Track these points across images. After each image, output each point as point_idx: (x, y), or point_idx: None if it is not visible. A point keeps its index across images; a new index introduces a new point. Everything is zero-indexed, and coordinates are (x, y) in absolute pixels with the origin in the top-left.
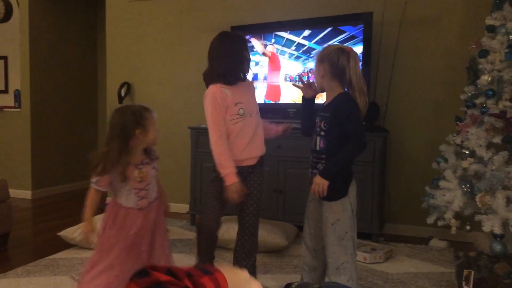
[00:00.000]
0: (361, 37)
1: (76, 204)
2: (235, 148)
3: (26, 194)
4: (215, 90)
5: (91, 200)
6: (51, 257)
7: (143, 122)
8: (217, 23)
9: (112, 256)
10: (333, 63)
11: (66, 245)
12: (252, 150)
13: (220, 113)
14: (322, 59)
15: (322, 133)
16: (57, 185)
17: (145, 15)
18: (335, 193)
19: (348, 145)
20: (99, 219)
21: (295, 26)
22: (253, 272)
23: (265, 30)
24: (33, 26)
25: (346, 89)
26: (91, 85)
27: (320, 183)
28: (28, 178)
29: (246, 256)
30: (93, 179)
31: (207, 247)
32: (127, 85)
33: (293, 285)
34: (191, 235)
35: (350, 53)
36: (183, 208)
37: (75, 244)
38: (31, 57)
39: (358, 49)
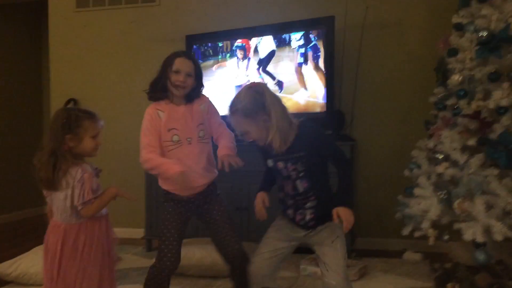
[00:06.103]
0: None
1: (10, 237)
2: None
3: None
4: (149, 111)
5: None
6: None
7: (76, 130)
8: (171, 33)
9: None
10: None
11: (0, 282)
12: (194, 179)
13: (153, 133)
14: (249, 113)
15: (301, 174)
16: None
17: (92, 26)
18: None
19: (342, 170)
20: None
21: (253, 33)
22: None
23: (221, 38)
24: None
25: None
26: (35, 102)
27: (351, 217)
28: None
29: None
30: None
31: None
32: (73, 102)
33: None
34: (148, 262)
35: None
36: (138, 233)
37: (11, 280)
38: None
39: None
